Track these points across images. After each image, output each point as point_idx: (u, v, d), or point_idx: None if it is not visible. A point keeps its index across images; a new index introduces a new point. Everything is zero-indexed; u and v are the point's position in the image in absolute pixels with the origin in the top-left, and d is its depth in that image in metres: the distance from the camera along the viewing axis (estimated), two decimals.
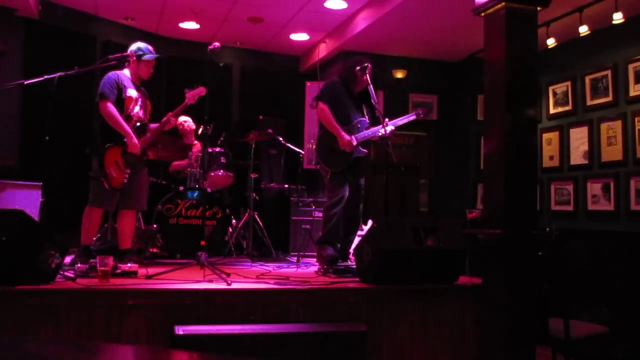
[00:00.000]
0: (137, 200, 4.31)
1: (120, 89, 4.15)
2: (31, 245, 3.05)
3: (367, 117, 4.55)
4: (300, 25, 7.06)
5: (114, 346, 1.41)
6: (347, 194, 4.42)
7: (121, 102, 4.16)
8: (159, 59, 4.43)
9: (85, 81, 4.22)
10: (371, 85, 4.43)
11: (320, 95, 4.51)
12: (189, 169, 5.57)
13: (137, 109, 4.25)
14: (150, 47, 4.35)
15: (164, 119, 4.34)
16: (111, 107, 4.07)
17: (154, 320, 3.06)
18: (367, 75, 4.43)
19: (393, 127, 4.43)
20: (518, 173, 3.59)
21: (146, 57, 4.29)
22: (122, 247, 4.23)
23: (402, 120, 4.51)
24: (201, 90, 4.37)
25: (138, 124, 4.22)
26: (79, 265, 3.69)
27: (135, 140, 4.12)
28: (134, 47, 4.31)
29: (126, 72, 4.30)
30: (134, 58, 4.26)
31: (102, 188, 4.04)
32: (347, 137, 4.36)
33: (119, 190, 4.11)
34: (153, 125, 4.40)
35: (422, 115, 4.60)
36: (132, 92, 4.22)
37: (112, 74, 4.19)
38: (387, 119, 4.41)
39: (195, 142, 5.88)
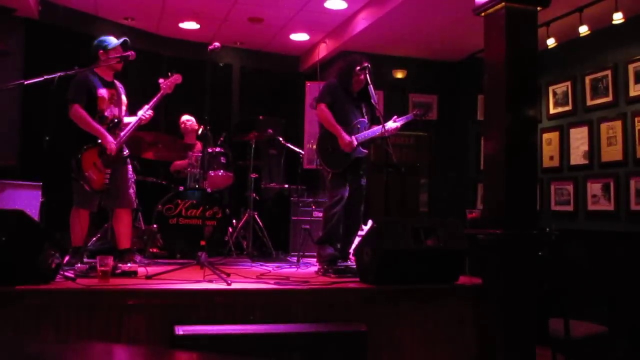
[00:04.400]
0: (122, 198, 4.19)
1: (90, 89, 4.05)
2: (31, 245, 3.05)
3: (366, 117, 4.55)
4: (300, 26, 7.05)
5: (113, 346, 1.41)
6: (347, 194, 4.43)
7: (93, 103, 4.06)
8: (125, 43, 4.23)
9: None
10: (371, 85, 4.44)
11: (319, 97, 4.53)
12: (189, 169, 5.57)
13: (110, 107, 4.15)
14: (113, 37, 4.24)
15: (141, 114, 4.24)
16: (80, 110, 3.98)
17: (154, 320, 3.06)
18: (367, 74, 4.43)
19: (393, 127, 4.46)
20: (518, 173, 3.59)
21: (111, 45, 4.16)
22: (120, 247, 4.21)
23: (400, 121, 4.54)
24: (177, 78, 4.28)
25: (111, 124, 4.12)
26: (79, 265, 3.68)
27: (110, 139, 4.03)
28: (97, 42, 4.20)
29: (96, 71, 4.17)
30: (101, 51, 4.15)
31: (84, 189, 3.97)
32: (347, 137, 4.37)
33: (101, 192, 4.03)
34: (128, 119, 4.27)
35: (419, 116, 4.65)
36: (103, 92, 4.11)
37: (80, 75, 4.06)
38: (395, 116, 4.52)
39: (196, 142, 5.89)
